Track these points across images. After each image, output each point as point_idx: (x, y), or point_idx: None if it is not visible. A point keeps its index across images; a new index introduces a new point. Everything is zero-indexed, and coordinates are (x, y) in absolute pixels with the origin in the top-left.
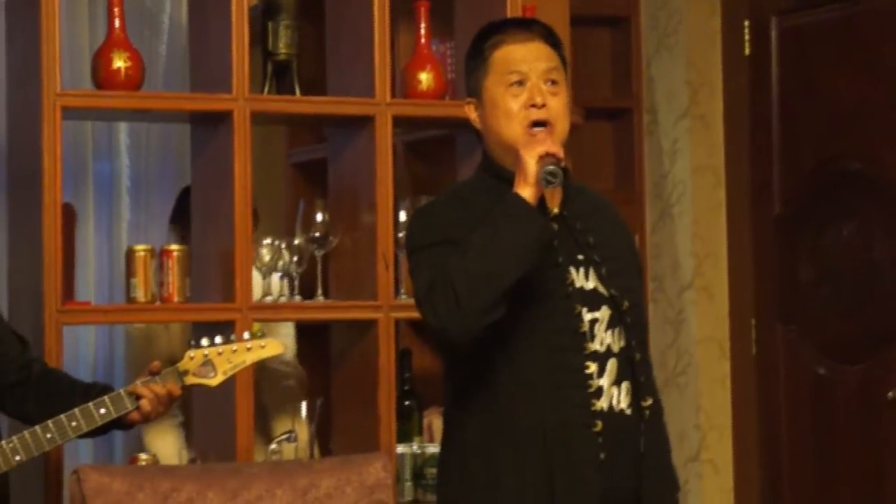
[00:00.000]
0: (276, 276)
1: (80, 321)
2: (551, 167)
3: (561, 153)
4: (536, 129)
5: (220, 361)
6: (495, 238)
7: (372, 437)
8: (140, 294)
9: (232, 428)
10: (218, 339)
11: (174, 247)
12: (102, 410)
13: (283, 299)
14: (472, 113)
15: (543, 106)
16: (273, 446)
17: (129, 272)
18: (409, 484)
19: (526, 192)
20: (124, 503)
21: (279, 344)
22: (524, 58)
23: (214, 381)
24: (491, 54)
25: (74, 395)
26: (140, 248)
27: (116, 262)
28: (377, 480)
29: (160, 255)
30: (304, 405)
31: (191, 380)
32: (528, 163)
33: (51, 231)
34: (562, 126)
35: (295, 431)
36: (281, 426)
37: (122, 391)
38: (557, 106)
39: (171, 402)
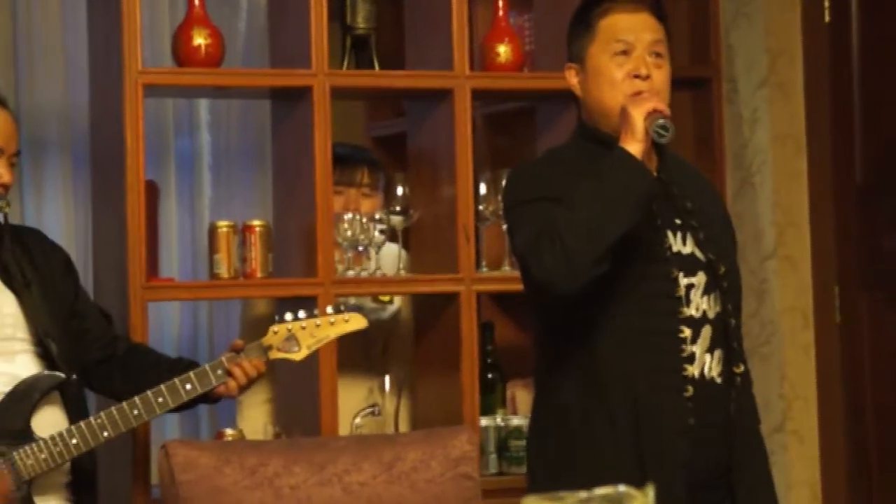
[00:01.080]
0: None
1: (165, 298)
2: (662, 120)
3: (668, 112)
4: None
5: (303, 336)
6: (603, 190)
7: (455, 410)
8: (223, 270)
9: (316, 402)
10: (301, 314)
11: (256, 222)
12: (188, 386)
13: (364, 273)
14: (572, 78)
15: (647, 77)
16: (357, 420)
17: (212, 248)
18: (493, 456)
19: (633, 147)
20: (212, 477)
21: (362, 318)
22: (631, 28)
23: (298, 355)
24: (598, 22)
25: (160, 371)
26: (223, 224)
27: (199, 239)
28: (462, 453)
29: (243, 231)
30: (387, 378)
31: (275, 354)
32: (636, 119)
33: (135, 208)
34: (665, 97)
35: (379, 405)
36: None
37: (207, 366)
38: (661, 78)
39: (257, 377)
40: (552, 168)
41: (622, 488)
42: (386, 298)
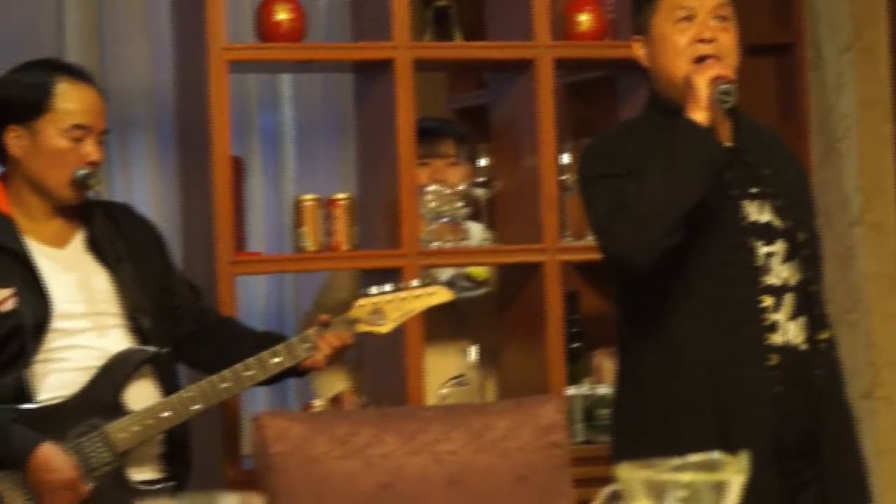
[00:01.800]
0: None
1: (252, 271)
2: (725, 86)
3: (732, 76)
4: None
5: (389, 309)
6: (672, 161)
7: (541, 379)
8: (309, 243)
9: (403, 373)
10: (387, 287)
11: (341, 196)
12: (276, 359)
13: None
14: (639, 51)
15: (712, 41)
16: (443, 390)
17: (298, 222)
18: (580, 425)
19: (699, 115)
20: (304, 447)
21: (448, 291)
22: None
23: (385, 328)
24: None
25: (249, 344)
26: (308, 198)
27: (283, 213)
28: (551, 422)
29: (327, 205)
30: (473, 349)
31: (361, 328)
32: (700, 86)
33: (221, 184)
34: (731, 61)
35: (465, 375)
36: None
37: (294, 339)
38: (727, 41)
39: (344, 350)
40: (624, 142)
41: (715, 455)
42: (481, 277)
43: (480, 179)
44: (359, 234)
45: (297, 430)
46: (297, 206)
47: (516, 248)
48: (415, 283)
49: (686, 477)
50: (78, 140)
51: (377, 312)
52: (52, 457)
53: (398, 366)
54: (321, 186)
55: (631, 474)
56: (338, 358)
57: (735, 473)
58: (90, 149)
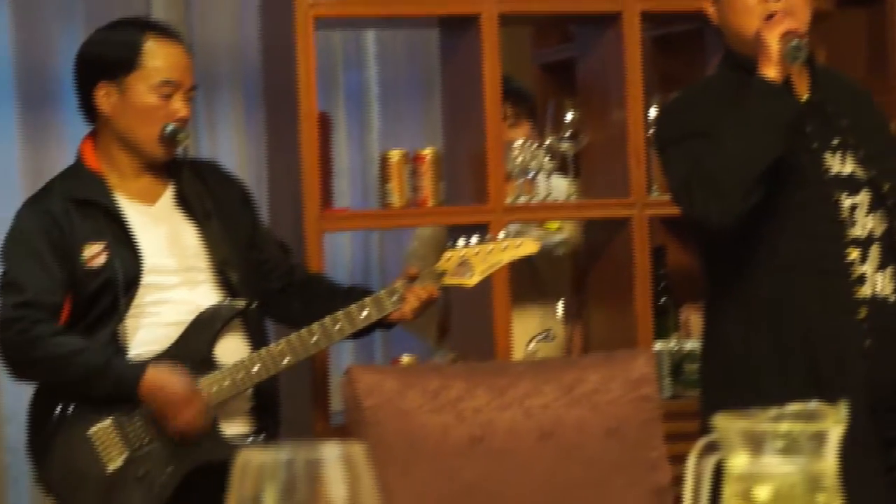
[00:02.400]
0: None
1: (340, 227)
2: (795, 42)
3: (803, 30)
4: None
5: (476, 261)
6: (746, 120)
7: (629, 334)
8: (395, 199)
9: (490, 328)
10: (474, 240)
11: (427, 151)
12: (365, 312)
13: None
14: (709, 8)
15: None
16: (531, 346)
17: (384, 178)
18: (668, 380)
19: (771, 72)
20: (395, 401)
21: (534, 243)
22: None
23: (472, 280)
24: None
25: (337, 299)
26: (394, 154)
27: (368, 170)
28: (642, 375)
29: (413, 160)
30: (560, 304)
31: (448, 280)
32: (770, 42)
33: (308, 140)
34: (801, 16)
35: (552, 331)
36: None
37: (382, 292)
38: None
39: (430, 303)
40: (699, 101)
41: (814, 405)
42: (553, 227)
43: (567, 134)
44: (445, 190)
45: (389, 384)
46: (384, 162)
47: (603, 202)
48: (501, 235)
49: (784, 427)
50: (167, 96)
51: (464, 265)
52: (162, 376)
53: (485, 321)
54: (406, 143)
55: (728, 425)
56: (424, 310)
57: (834, 423)
58: (179, 105)
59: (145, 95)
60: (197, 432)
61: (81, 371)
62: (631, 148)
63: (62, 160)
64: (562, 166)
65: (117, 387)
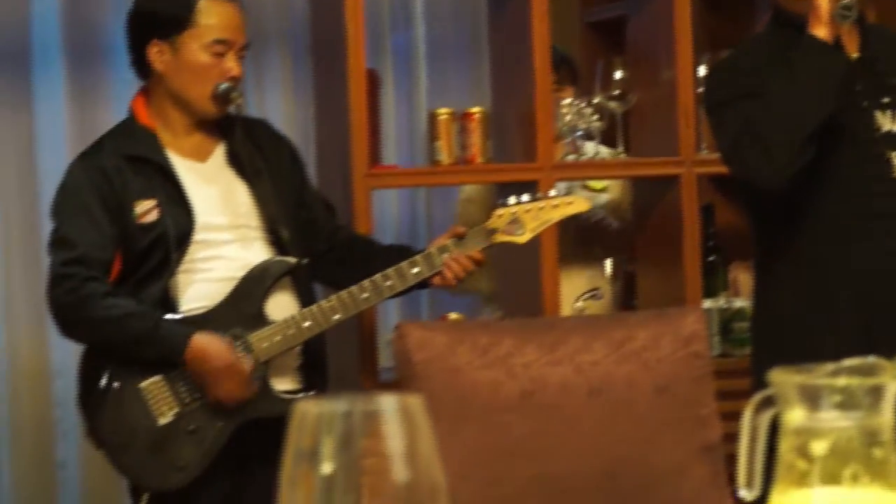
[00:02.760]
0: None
1: (388, 185)
2: (846, 1)
3: None
4: None
5: (527, 219)
6: (795, 80)
7: (677, 292)
8: (444, 157)
9: (538, 286)
10: (525, 197)
11: (475, 109)
12: (416, 269)
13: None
14: None
15: None
16: (578, 304)
17: (432, 135)
18: (716, 339)
19: (820, 31)
20: (446, 356)
21: (585, 201)
22: None
23: (523, 238)
24: None
25: (383, 259)
26: (442, 112)
27: (416, 128)
28: (693, 332)
29: (462, 118)
30: (608, 262)
31: (499, 238)
32: (820, 2)
33: (357, 97)
34: None
35: (600, 289)
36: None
37: (433, 250)
38: None
39: (475, 265)
40: (748, 61)
41: (872, 359)
42: (599, 186)
43: (615, 93)
44: (493, 148)
45: (439, 339)
46: (432, 120)
47: (652, 160)
48: (552, 192)
49: (841, 381)
50: (219, 55)
51: (515, 222)
52: (208, 343)
53: (533, 279)
54: (453, 101)
55: (785, 379)
56: (468, 273)
57: (891, 378)
58: (231, 63)
59: (198, 54)
60: (236, 402)
61: (129, 335)
62: (680, 107)
63: (110, 119)
64: (610, 126)
65: (163, 352)
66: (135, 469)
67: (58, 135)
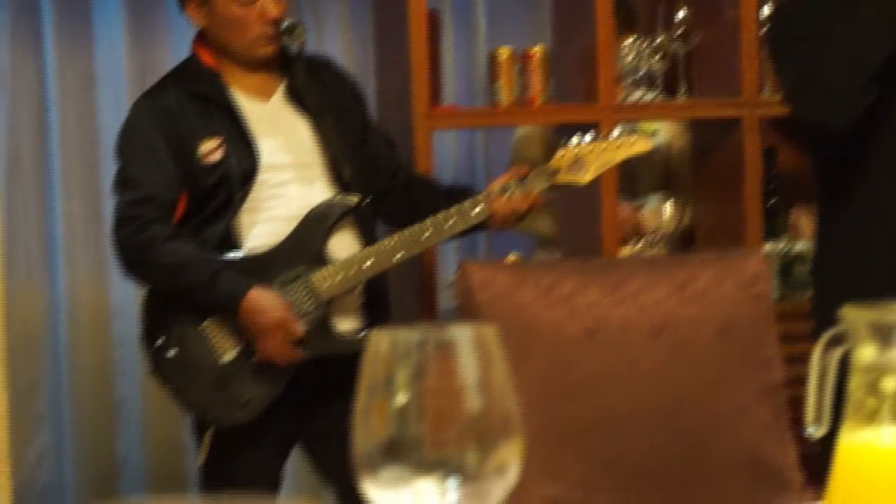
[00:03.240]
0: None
1: (448, 126)
2: None
3: None
4: None
5: (590, 159)
6: (858, 19)
7: (737, 235)
8: (503, 97)
9: (597, 227)
10: (587, 138)
11: (536, 49)
12: (478, 209)
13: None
14: None
15: None
16: (637, 246)
17: (492, 76)
18: (776, 282)
19: None
20: (509, 296)
21: (648, 141)
22: None
23: (585, 178)
24: None
25: (445, 197)
26: (503, 52)
27: (475, 68)
28: (755, 274)
29: (522, 58)
30: (668, 204)
31: (562, 178)
32: None
33: (417, 37)
34: None
35: (659, 231)
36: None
37: (494, 189)
38: None
39: (531, 207)
40: (810, 2)
41: None
42: (650, 129)
43: (677, 33)
44: (553, 88)
45: (502, 278)
46: (492, 60)
47: (714, 102)
48: (615, 132)
49: None
50: (248, 4)
51: (577, 162)
52: (263, 299)
53: (592, 220)
54: (512, 41)
55: (856, 316)
56: (524, 216)
57: None
58: (267, 6)
59: (229, 7)
60: (281, 362)
61: (187, 283)
62: (743, 47)
63: (169, 58)
64: (671, 67)
65: (218, 302)
66: (199, 406)
67: (117, 74)
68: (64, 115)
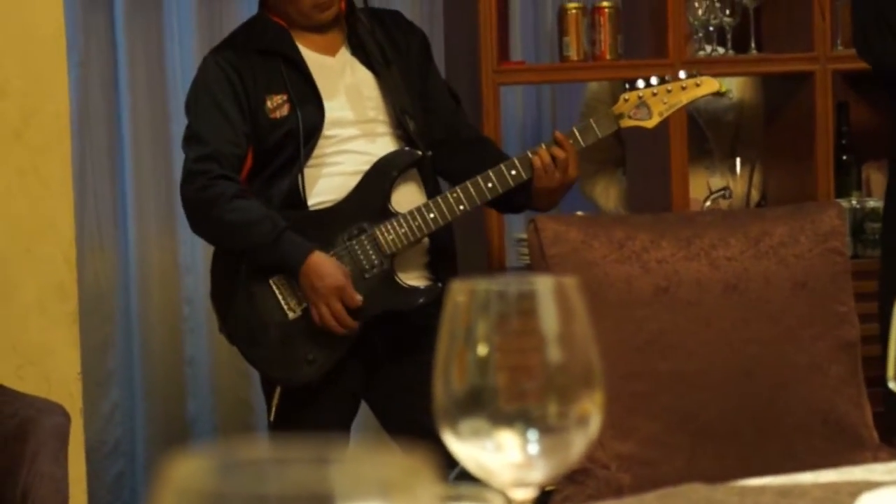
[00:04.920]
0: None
1: (516, 81)
2: None
3: None
4: None
5: (654, 102)
6: None
7: (809, 191)
8: (573, 52)
9: (667, 181)
10: (653, 80)
11: (605, 3)
12: (536, 160)
13: (716, 53)
14: None
15: None
16: (708, 203)
17: (561, 30)
18: (848, 238)
19: None
20: (580, 251)
21: (714, 81)
22: None
23: (650, 122)
24: None
25: (502, 157)
26: (572, 6)
27: (542, 23)
28: (831, 228)
29: (592, 13)
30: (738, 161)
31: (626, 122)
32: None
33: None
34: None
35: (730, 188)
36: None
37: (556, 135)
38: None
39: (559, 155)
40: None
41: None
42: (723, 89)
43: None
44: (623, 43)
45: (573, 233)
46: (561, 15)
47: (786, 56)
48: (682, 74)
49: None
50: None
51: (642, 106)
52: (323, 264)
53: (662, 176)
54: None
55: None
56: (559, 175)
57: None
58: None
59: None
60: (335, 329)
61: (249, 242)
62: (815, 0)
63: (237, 14)
64: (742, 22)
65: (280, 263)
66: (266, 362)
67: (186, 32)
68: (133, 74)
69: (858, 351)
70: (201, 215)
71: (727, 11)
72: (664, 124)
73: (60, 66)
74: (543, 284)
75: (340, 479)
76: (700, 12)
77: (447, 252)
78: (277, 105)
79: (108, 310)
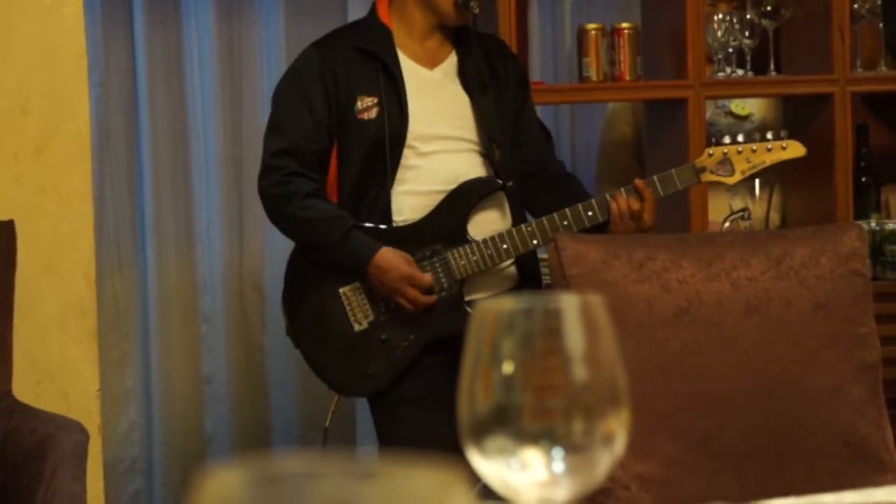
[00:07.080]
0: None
1: (536, 101)
2: None
3: None
4: None
5: (738, 160)
6: None
7: (828, 213)
8: (592, 73)
9: (686, 204)
10: (740, 138)
11: (625, 25)
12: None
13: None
14: None
15: None
16: (727, 224)
17: (581, 51)
18: (868, 260)
19: None
20: (600, 271)
21: (801, 146)
22: None
23: (732, 179)
24: None
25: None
26: (592, 27)
27: (560, 44)
28: (853, 249)
29: (611, 34)
30: (757, 183)
31: (707, 177)
32: None
33: (505, 13)
34: None
35: (749, 209)
36: None
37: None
38: None
39: (641, 214)
40: None
41: None
42: (744, 112)
43: (768, 8)
44: (642, 64)
45: (594, 253)
46: (581, 36)
47: (805, 78)
48: (769, 135)
49: None
50: None
51: (725, 162)
52: (386, 258)
53: (681, 199)
54: (599, 17)
55: None
56: (641, 214)
57: None
58: None
59: None
60: (417, 309)
61: (318, 240)
62: (834, 22)
63: (257, 33)
64: (761, 43)
65: (347, 262)
66: (327, 371)
67: (205, 51)
68: (153, 94)
69: (879, 373)
70: (274, 210)
71: (746, 33)
72: (681, 139)
73: (82, 85)
74: (569, 303)
75: (374, 494)
76: (719, 34)
77: (533, 277)
78: (367, 107)
79: (126, 327)
